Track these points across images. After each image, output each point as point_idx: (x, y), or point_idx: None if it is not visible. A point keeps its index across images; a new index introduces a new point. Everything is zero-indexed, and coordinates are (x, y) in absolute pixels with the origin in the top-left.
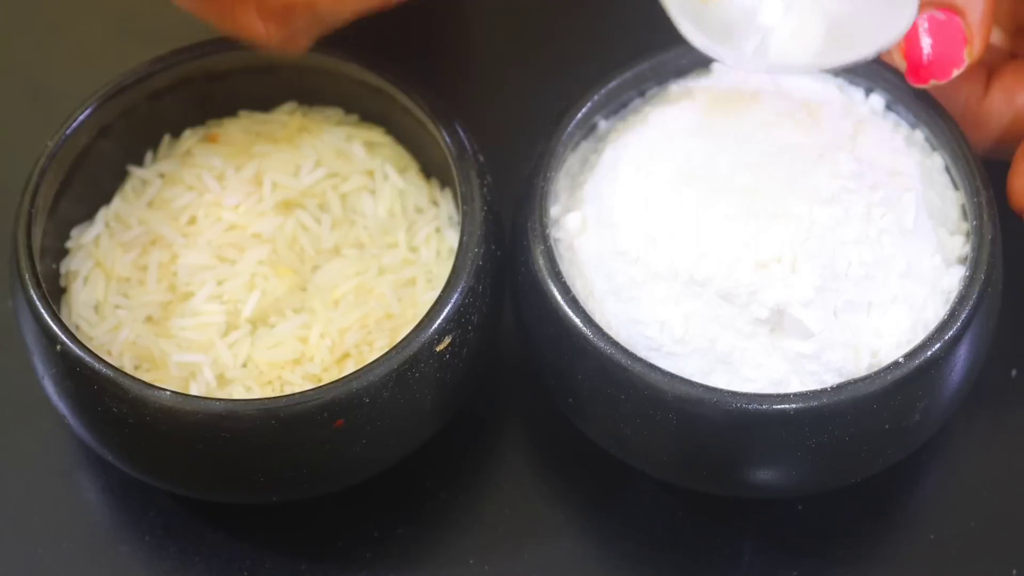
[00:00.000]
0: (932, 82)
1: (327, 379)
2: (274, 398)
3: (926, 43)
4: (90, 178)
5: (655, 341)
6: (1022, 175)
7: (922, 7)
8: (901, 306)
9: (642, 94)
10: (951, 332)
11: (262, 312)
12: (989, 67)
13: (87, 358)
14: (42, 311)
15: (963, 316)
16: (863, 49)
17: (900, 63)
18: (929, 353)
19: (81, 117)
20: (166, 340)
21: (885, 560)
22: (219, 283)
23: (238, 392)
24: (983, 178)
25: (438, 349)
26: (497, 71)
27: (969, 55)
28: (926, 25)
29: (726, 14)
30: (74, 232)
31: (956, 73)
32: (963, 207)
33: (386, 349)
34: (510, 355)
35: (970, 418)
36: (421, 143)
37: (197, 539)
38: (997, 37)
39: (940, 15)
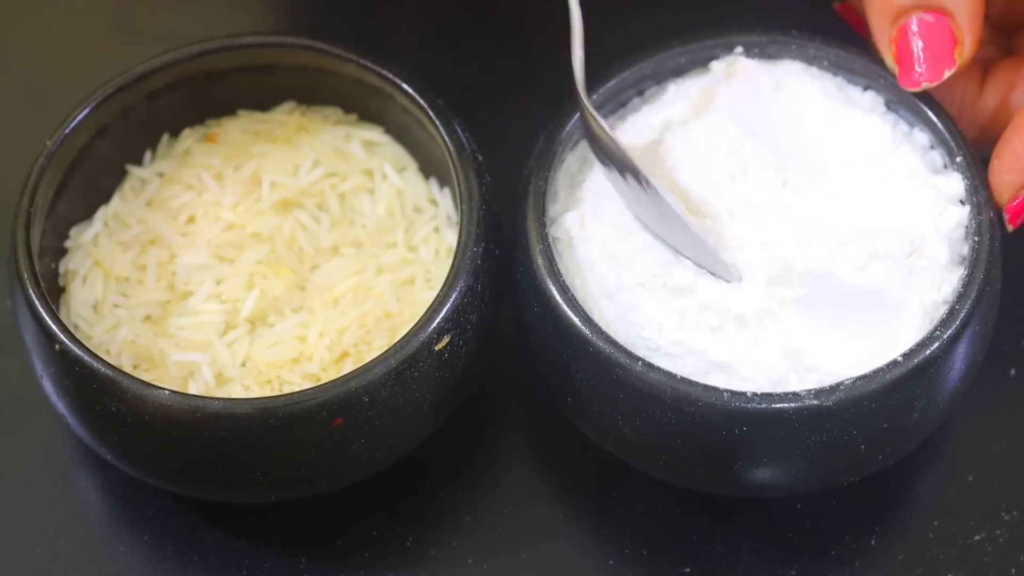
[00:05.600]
0: (924, 85)
1: (326, 378)
2: (273, 397)
3: (917, 46)
4: (89, 178)
5: (653, 342)
6: (1002, 171)
7: (911, 10)
8: None
9: (641, 94)
10: (950, 331)
11: (261, 311)
12: (984, 65)
13: (86, 357)
14: (41, 310)
15: (962, 315)
16: None
17: (892, 67)
18: (928, 352)
19: (80, 117)
20: (165, 339)
21: (884, 559)
22: (218, 282)
23: (237, 391)
24: (981, 176)
25: (437, 348)
26: (497, 71)
27: (960, 56)
28: (916, 28)
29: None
30: (73, 231)
31: (948, 74)
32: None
33: (385, 348)
34: (509, 355)
35: (969, 417)
36: (420, 142)
37: (196, 538)
38: (991, 35)
39: (929, 17)
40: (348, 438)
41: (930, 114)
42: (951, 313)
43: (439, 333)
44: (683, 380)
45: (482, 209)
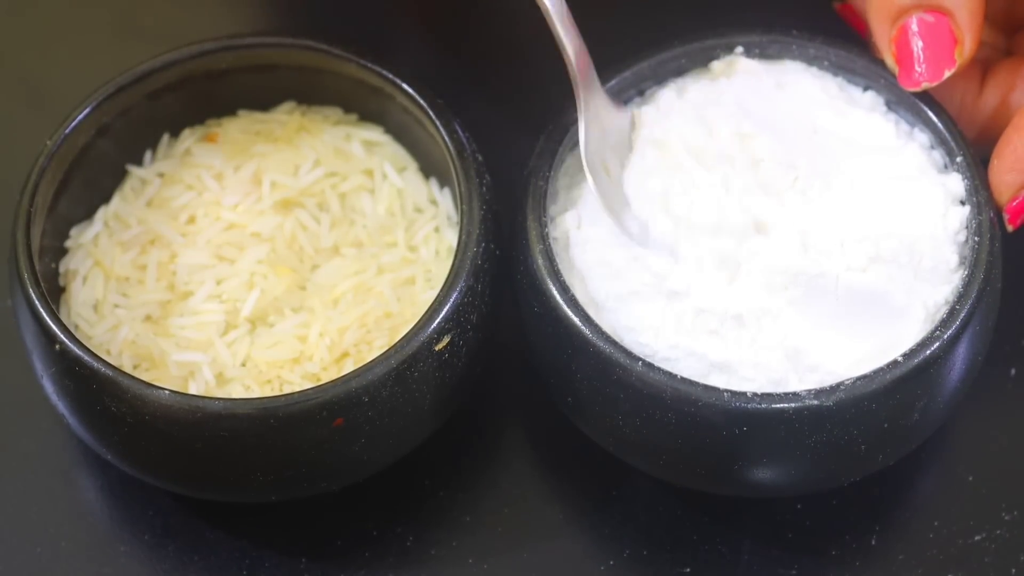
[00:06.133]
0: (924, 84)
1: (326, 378)
2: (273, 397)
3: (917, 45)
4: (89, 177)
5: (649, 347)
6: (1002, 171)
7: (911, 9)
8: None
9: (641, 93)
10: (950, 331)
11: (261, 311)
12: (984, 65)
13: (86, 357)
14: (41, 310)
15: (962, 315)
16: None
17: (892, 67)
18: (928, 352)
19: (80, 116)
20: (165, 339)
21: (884, 559)
22: (218, 282)
23: (237, 391)
24: (981, 176)
25: (437, 348)
26: (497, 71)
27: (960, 55)
28: (916, 28)
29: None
30: (73, 231)
31: (948, 74)
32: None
33: (385, 348)
34: (509, 354)
35: (969, 417)
36: (420, 142)
37: (196, 538)
38: (991, 35)
39: (929, 17)
40: (348, 438)
41: (930, 114)
42: (951, 313)
43: (439, 333)
44: (683, 380)
45: (482, 209)
